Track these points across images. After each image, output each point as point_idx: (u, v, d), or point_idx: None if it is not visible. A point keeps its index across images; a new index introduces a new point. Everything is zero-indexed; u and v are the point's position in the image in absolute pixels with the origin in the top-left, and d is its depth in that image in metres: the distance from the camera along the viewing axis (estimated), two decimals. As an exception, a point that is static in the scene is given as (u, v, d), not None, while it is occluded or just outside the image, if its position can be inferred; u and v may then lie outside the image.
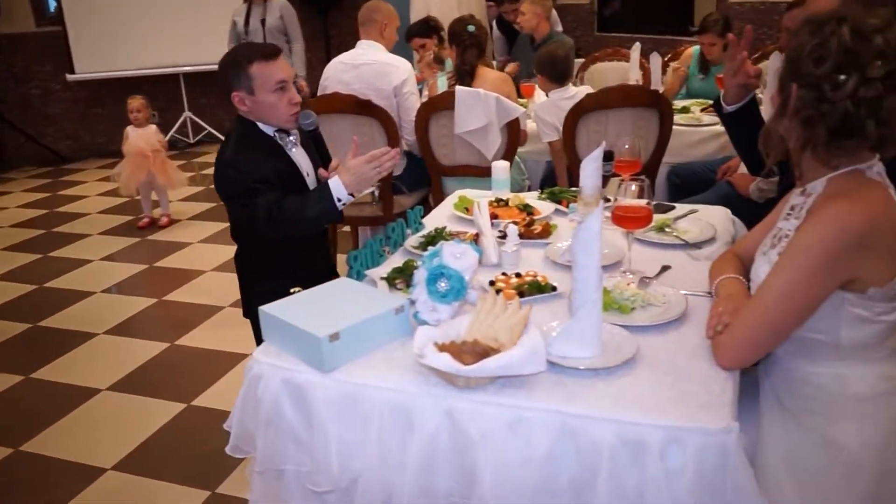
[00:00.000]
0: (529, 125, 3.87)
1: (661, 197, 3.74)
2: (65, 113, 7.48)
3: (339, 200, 2.10)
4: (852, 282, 1.28)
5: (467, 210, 2.35)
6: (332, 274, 2.27)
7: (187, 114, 7.60)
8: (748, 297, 1.46)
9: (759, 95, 3.29)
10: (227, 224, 2.38)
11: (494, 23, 6.10)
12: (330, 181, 2.11)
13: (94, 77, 7.14)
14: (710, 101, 4.11)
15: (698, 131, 3.72)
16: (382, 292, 1.73)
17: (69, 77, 7.07)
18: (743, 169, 3.36)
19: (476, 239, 1.98)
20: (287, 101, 2.20)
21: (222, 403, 2.92)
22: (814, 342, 1.35)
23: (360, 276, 1.88)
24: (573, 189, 2.48)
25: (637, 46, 4.30)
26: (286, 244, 2.26)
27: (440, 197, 3.63)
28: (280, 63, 2.20)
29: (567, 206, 2.34)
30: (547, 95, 3.93)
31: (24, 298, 4.11)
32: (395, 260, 1.99)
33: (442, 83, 3.74)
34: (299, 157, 2.30)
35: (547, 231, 2.12)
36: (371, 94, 3.48)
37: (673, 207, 2.35)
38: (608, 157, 2.22)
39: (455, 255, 1.53)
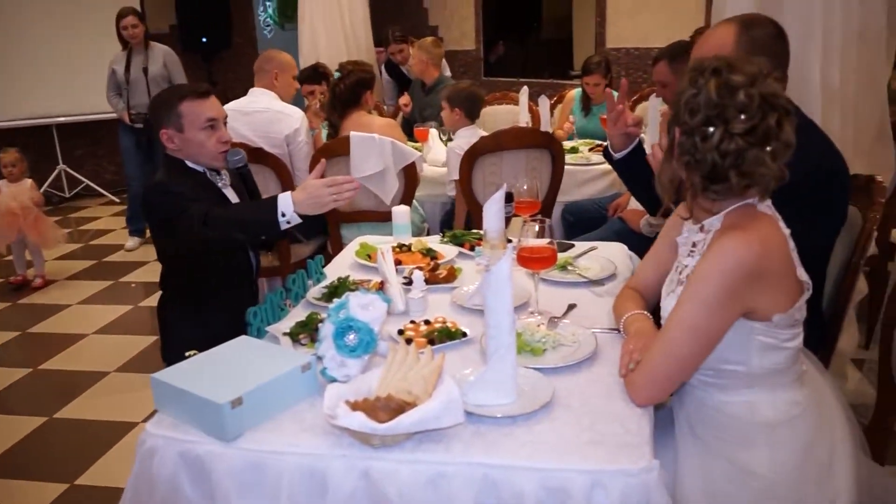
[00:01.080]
0: (425, 170, 3.89)
1: (556, 235, 3.84)
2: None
3: (283, 215, 1.98)
4: (754, 311, 1.32)
5: (370, 257, 2.30)
6: None
7: (62, 167, 7.16)
8: (655, 332, 1.49)
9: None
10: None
11: (383, 67, 6.14)
12: (280, 194, 2.02)
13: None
14: (597, 142, 4.31)
15: (588, 170, 3.85)
16: (286, 349, 1.65)
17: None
18: (633, 205, 3.51)
19: (381, 287, 1.93)
20: (216, 140, 2.18)
21: (111, 480, 2.68)
22: (727, 372, 1.38)
23: (260, 333, 1.78)
24: (475, 231, 2.49)
25: (525, 90, 4.43)
26: (213, 285, 2.17)
27: (338, 244, 3.56)
28: (211, 102, 2.19)
29: (470, 249, 2.34)
30: (449, 137, 3.98)
31: None
32: (298, 313, 1.91)
33: (324, 133, 3.71)
34: (231, 196, 2.23)
35: (452, 275, 2.10)
36: (262, 143, 3.40)
37: (572, 245, 2.39)
38: (508, 198, 2.24)
39: (362, 306, 1.48)
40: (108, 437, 2.97)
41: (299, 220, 2.00)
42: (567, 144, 4.25)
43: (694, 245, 1.46)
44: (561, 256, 2.18)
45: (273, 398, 1.39)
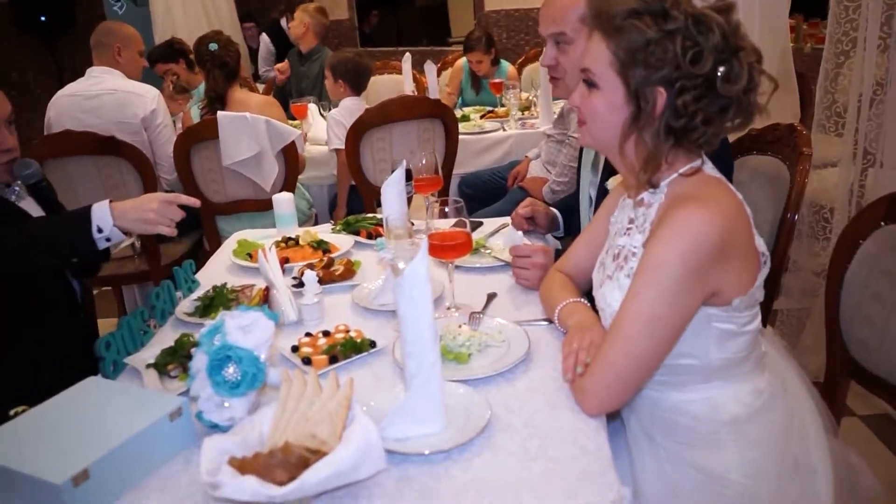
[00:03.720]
0: (306, 149, 3.54)
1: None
2: None
3: (100, 231, 1.58)
4: (716, 294, 1.12)
5: (251, 256, 1.96)
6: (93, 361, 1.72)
7: None
8: (600, 326, 1.27)
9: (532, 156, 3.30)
10: None
11: (264, 35, 5.61)
12: (96, 204, 1.60)
13: None
14: (488, 108, 4.10)
15: (482, 139, 3.63)
16: (149, 390, 1.31)
17: None
18: (533, 171, 3.32)
19: (266, 295, 1.61)
20: None
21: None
22: (681, 368, 1.18)
23: (118, 368, 1.43)
24: (370, 216, 2.20)
25: (408, 58, 4.15)
26: (24, 321, 1.70)
27: (216, 240, 3.18)
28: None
29: (368, 237, 2.05)
30: (327, 109, 3.65)
31: None
32: (166, 336, 1.57)
33: (195, 113, 3.27)
34: (33, 211, 1.78)
35: (350, 271, 1.80)
36: (114, 130, 2.94)
37: (480, 223, 2.16)
38: (407, 176, 1.96)
39: (242, 329, 1.17)
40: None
41: (123, 237, 1.62)
42: (456, 113, 4.01)
43: (631, 222, 1.24)
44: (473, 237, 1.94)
45: (133, 463, 1.07)
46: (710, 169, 1.19)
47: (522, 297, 1.62)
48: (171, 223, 1.62)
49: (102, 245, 1.61)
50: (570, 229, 2.02)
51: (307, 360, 1.37)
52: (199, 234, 3.35)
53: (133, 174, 2.92)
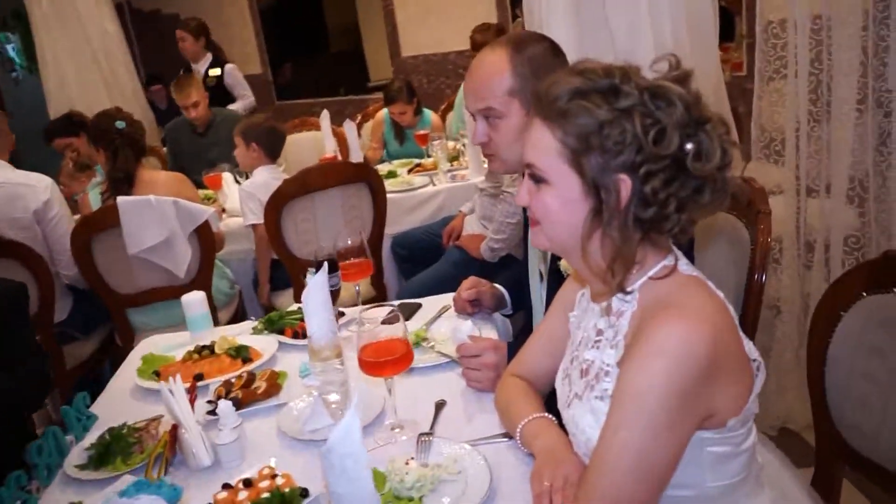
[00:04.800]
0: (224, 223, 3.28)
1: (390, 273, 3.39)
2: None
3: None
4: (708, 417, 0.94)
5: (158, 376, 1.70)
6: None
7: None
8: (572, 455, 1.07)
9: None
10: None
11: (228, 66, 5.22)
12: None
13: None
14: (416, 161, 3.93)
15: (412, 196, 3.44)
16: None
17: None
18: (468, 227, 3.15)
19: (174, 435, 1.35)
20: None
21: None
22: (675, 500, 0.99)
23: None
24: (295, 310, 1.95)
25: (326, 114, 3.94)
26: None
27: (128, 333, 2.88)
28: None
29: (293, 336, 1.81)
30: (244, 177, 3.38)
31: None
32: (53, 503, 1.29)
33: (94, 197, 2.96)
34: None
35: (275, 385, 1.56)
36: (3, 227, 2.62)
37: (419, 305, 1.95)
38: (330, 267, 1.74)
39: (133, 521, 0.92)
40: None
41: None
42: (382, 169, 3.82)
43: (600, 333, 1.06)
44: (410, 329, 1.73)
45: None
46: (684, 266, 1.01)
47: (475, 403, 1.42)
48: None
49: None
50: (520, 305, 1.83)
51: (225, 529, 1.13)
52: (109, 328, 3.03)
53: (25, 274, 2.60)
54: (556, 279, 1.52)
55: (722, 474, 0.99)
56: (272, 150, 3.16)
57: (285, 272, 2.99)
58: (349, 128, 3.75)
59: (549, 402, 1.22)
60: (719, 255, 1.67)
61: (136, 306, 2.86)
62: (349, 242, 1.83)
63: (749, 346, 0.99)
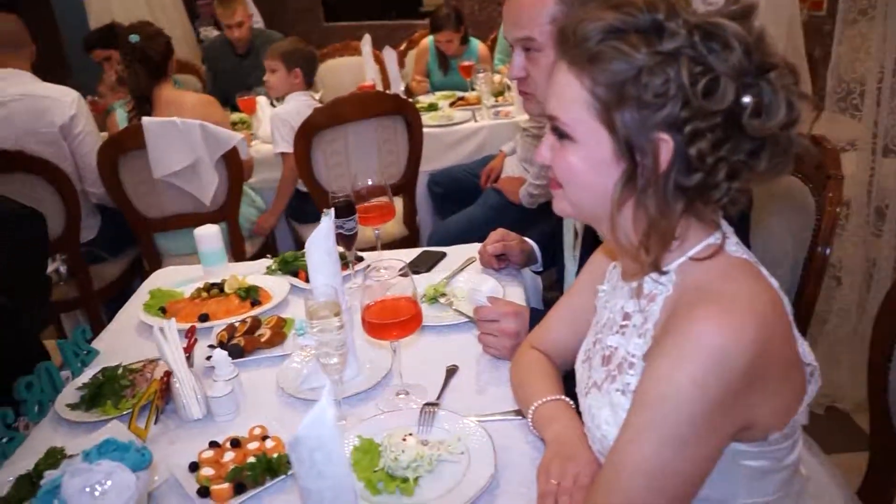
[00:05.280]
0: (256, 149, 3.17)
1: (425, 211, 3.26)
2: None
3: None
4: (745, 429, 0.80)
5: (164, 313, 1.62)
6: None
7: None
8: (586, 450, 0.95)
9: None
10: None
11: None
12: None
13: None
14: (458, 94, 3.73)
15: (451, 132, 3.26)
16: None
17: None
18: (508, 169, 2.98)
19: (166, 383, 1.27)
20: None
21: None
22: (702, 519, 0.86)
23: (-38, 503, 1.10)
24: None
25: (367, 39, 3.74)
26: None
27: (154, 258, 2.83)
28: None
29: (307, 281, 1.70)
30: (276, 103, 3.24)
31: None
32: (41, 441, 1.23)
33: (121, 115, 2.87)
34: None
35: (280, 334, 1.47)
36: (28, 142, 2.55)
37: (443, 255, 1.82)
38: (347, 210, 1.62)
39: (91, 490, 0.83)
40: None
41: None
42: (423, 100, 3.64)
43: (627, 318, 0.91)
44: (429, 284, 1.61)
45: None
46: (733, 246, 0.85)
47: (490, 372, 1.30)
48: None
49: None
50: (551, 261, 1.69)
51: (204, 492, 1.04)
52: (135, 252, 2.99)
53: (49, 190, 2.55)
54: (591, 240, 1.37)
55: (758, 491, 0.85)
56: (311, 74, 3.03)
57: (312, 207, 2.89)
58: (388, 55, 3.56)
59: (569, 381, 1.10)
60: (776, 221, 1.48)
61: (162, 230, 2.81)
62: (369, 182, 1.70)
63: (804, 348, 0.84)
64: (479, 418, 1.14)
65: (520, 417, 1.14)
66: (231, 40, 4.02)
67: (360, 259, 1.79)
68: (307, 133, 2.65)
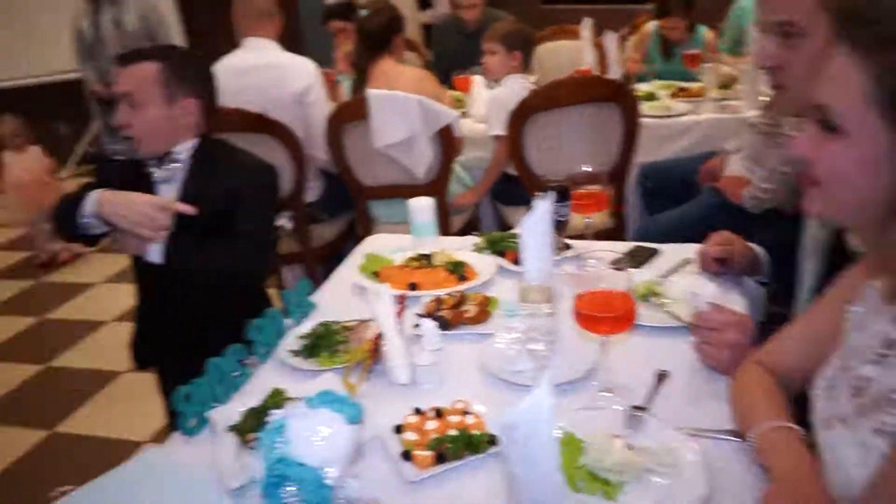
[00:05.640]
0: (468, 127, 3.22)
1: (630, 204, 3.13)
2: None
3: (84, 217, 1.48)
4: None
5: (377, 276, 1.70)
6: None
7: (98, 123, 6.75)
8: (819, 487, 0.84)
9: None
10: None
11: None
12: (95, 191, 1.50)
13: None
14: (680, 85, 3.53)
15: (669, 124, 3.10)
16: (201, 481, 1.07)
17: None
18: (731, 169, 2.77)
19: (377, 344, 1.33)
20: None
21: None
22: None
23: (200, 424, 1.23)
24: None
25: (588, 23, 3.65)
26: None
27: (367, 224, 2.99)
28: (123, 74, 1.57)
29: (514, 262, 1.70)
30: (492, 83, 3.27)
31: None
32: (265, 379, 1.35)
33: (347, 86, 3.05)
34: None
35: (485, 312, 1.47)
36: (267, 106, 2.78)
37: (655, 252, 1.73)
38: (561, 195, 1.59)
39: (308, 436, 0.89)
40: (104, 463, 2.54)
41: (103, 227, 1.52)
42: (642, 88, 3.49)
43: (890, 346, 0.79)
44: (641, 281, 1.53)
45: None
46: None
47: (706, 384, 1.21)
48: (157, 228, 1.47)
49: (89, 230, 1.51)
50: (779, 274, 1.54)
51: (407, 455, 1.08)
52: (351, 215, 3.18)
53: (284, 154, 2.77)
54: (837, 256, 1.22)
55: None
56: (529, 60, 3.01)
57: (522, 188, 2.88)
58: (609, 40, 3.44)
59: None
60: None
61: (376, 198, 2.96)
62: (587, 169, 1.65)
63: None
64: (692, 432, 1.06)
65: (738, 439, 1.05)
66: (462, 20, 4.08)
67: (568, 247, 1.75)
68: (522, 115, 2.64)
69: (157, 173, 1.59)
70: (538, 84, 3.16)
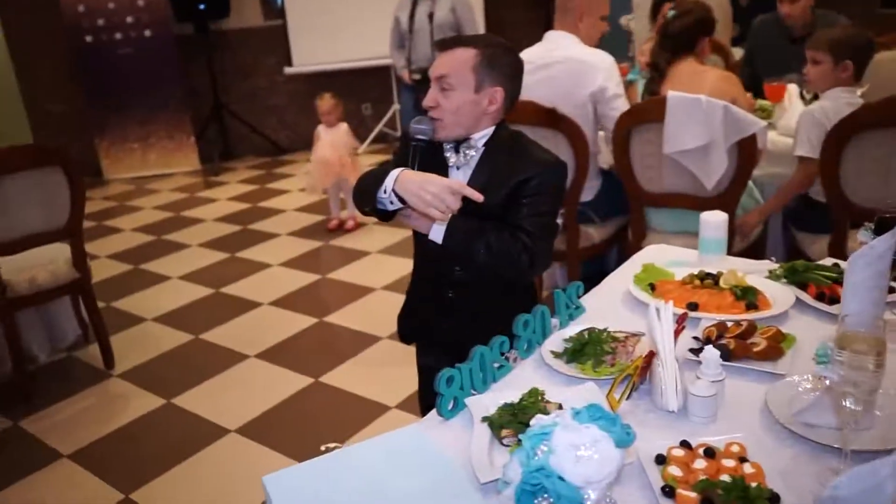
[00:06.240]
0: (771, 140, 2.90)
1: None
2: (285, 105, 7.63)
3: (385, 192, 1.53)
4: None
5: (652, 289, 1.58)
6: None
7: (396, 106, 7.38)
8: None
9: None
10: (409, 233, 1.84)
11: None
12: (396, 169, 1.55)
13: (309, 70, 7.15)
14: None
15: None
16: (455, 469, 1.06)
17: (287, 70, 7.16)
18: None
19: (648, 363, 1.23)
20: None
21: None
22: None
23: (456, 408, 1.23)
24: (829, 265, 1.59)
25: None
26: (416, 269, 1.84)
27: (640, 230, 2.85)
28: (441, 58, 1.62)
29: (818, 299, 1.47)
30: (812, 98, 2.91)
31: (195, 306, 4.00)
32: (523, 376, 1.32)
33: (642, 86, 2.90)
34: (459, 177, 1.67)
35: (777, 349, 1.29)
36: (561, 103, 2.76)
37: None
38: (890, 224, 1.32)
39: (575, 450, 0.82)
40: (354, 418, 2.75)
41: (399, 205, 1.53)
42: None
43: None
44: None
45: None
46: None
47: None
48: (447, 210, 1.48)
49: (387, 206, 1.55)
50: None
51: (669, 491, 0.97)
52: (623, 220, 3.05)
53: (569, 151, 2.74)
54: None
55: None
56: (862, 71, 2.60)
57: (824, 213, 2.53)
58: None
59: None
60: None
61: (656, 206, 2.81)
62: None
63: None
64: None
65: None
66: (786, 22, 3.67)
67: None
68: (845, 132, 2.30)
69: (453, 158, 1.63)
70: (864, 98, 2.74)
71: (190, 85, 7.05)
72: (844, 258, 2.32)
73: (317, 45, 7.07)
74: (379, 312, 3.66)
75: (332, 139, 4.69)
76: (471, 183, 1.59)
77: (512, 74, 1.62)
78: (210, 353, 3.41)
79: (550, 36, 2.87)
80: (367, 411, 2.80)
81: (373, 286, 4.00)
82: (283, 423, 2.79)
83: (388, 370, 3.09)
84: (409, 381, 2.91)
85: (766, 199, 2.90)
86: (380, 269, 4.27)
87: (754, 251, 2.84)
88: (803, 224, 2.77)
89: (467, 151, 1.62)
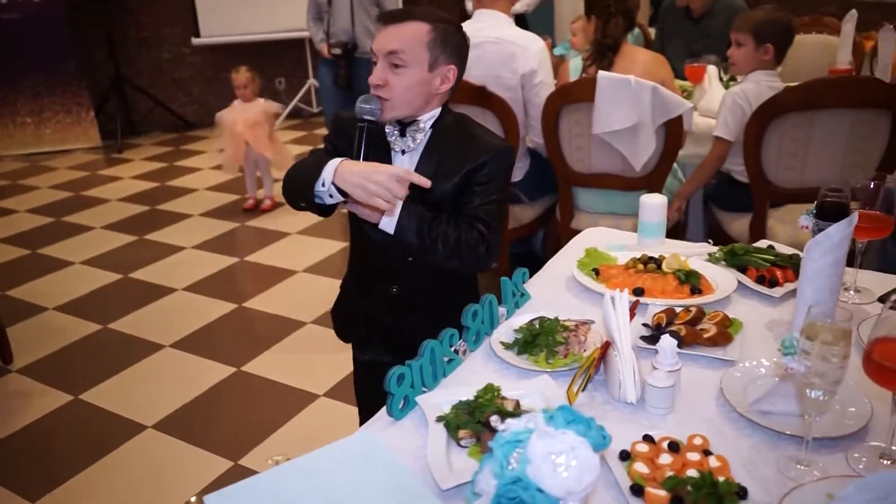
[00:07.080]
0: (692, 121, 2.95)
1: None
2: (193, 78, 7.24)
3: (323, 185, 1.41)
4: None
5: (596, 274, 1.56)
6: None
7: (311, 81, 7.15)
8: None
9: None
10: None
11: None
12: (333, 160, 1.42)
13: (218, 41, 6.81)
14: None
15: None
16: (411, 482, 1.00)
17: (194, 41, 6.79)
18: None
19: (603, 353, 1.20)
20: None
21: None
22: None
23: (407, 407, 1.17)
24: (765, 248, 1.61)
25: (852, 16, 3.20)
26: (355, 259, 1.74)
27: (568, 211, 2.85)
28: (390, 31, 1.49)
29: (758, 281, 1.49)
30: (730, 80, 2.98)
31: (101, 292, 3.75)
32: (473, 370, 1.27)
33: (576, 64, 2.88)
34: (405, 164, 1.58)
35: (725, 336, 1.29)
36: (491, 83, 2.70)
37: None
38: (836, 213, 1.35)
39: (553, 458, 0.78)
40: (281, 408, 2.65)
41: (340, 198, 1.42)
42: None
43: None
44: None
45: None
46: None
47: None
48: (392, 199, 1.37)
49: (325, 199, 1.43)
50: None
51: (638, 490, 0.94)
52: (552, 200, 3.05)
53: (499, 130, 2.69)
54: None
55: None
56: (783, 55, 2.65)
57: (744, 193, 2.60)
58: (884, 38, 2.99)
59: None
60: None
61: (584, 186, 2.81)
62: (870, 186, 1.39)
63: None
64: None
65: None
66: (688, 3, 3.81)
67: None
68: (768, 114, 2.36)
69: (399, 142, 1.54)
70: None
71: (88, 55, 6.58)
72: (764, 237, 2.40)
73: (226, 15, 6.73)
74: (301, 296, 3.53)
75: (248, 114, 4.47)
76: (418, 169, 1.50)
77: (462, 53, 1.54)
78: (120, 343, 3.20)
79: (481, 15, 2.80)
80: (295, 401, 2.69)
81: (294, 269, 3.86)
82: (204, 417, 2.66)
83: (314, 357, 2.99)
84: (336, 368, 2.81)
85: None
86: (300, 250, 4.12)
87: (676, 231, 2.89)
88: (724, 203, 2.84)
89: (415, 134, 1.53)
